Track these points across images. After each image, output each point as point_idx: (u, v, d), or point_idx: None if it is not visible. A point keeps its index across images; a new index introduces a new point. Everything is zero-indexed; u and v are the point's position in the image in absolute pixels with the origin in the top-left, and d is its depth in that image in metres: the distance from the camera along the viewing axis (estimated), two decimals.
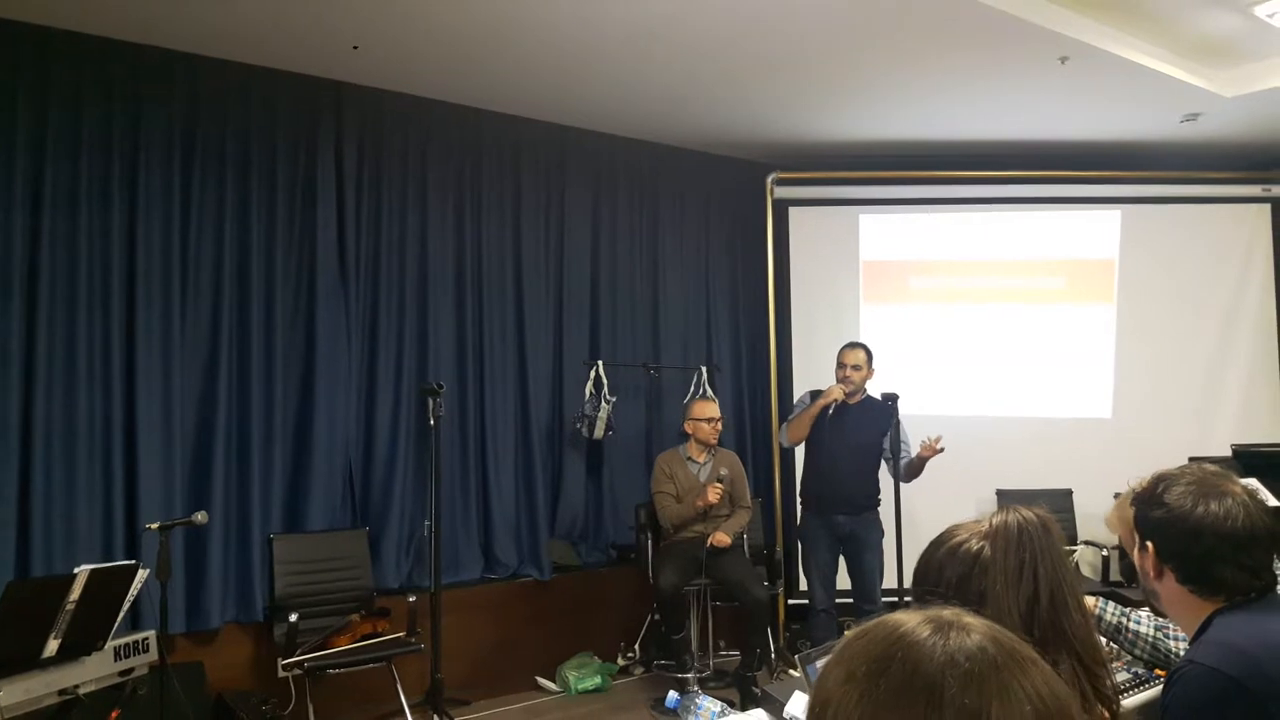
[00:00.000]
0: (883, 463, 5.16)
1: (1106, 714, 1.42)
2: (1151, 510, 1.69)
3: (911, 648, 0.80)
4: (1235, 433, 5.78)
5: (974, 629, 0.82)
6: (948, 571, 1.44)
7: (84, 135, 4.46)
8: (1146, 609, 2.25)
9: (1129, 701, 2.21)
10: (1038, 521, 1.45)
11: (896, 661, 0.79)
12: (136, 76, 4.61)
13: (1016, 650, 0.81)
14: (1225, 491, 1.64)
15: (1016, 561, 1.40)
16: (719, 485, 5.22)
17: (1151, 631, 2.20)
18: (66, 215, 4.40)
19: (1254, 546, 1.61)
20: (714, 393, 6.27)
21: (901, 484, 5.02)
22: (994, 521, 1.46)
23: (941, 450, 4.90)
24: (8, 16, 4.25)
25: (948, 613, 0.84)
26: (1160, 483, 1.70)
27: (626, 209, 6.35)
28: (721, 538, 5.19)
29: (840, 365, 5.19)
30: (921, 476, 5.18)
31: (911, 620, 0.83)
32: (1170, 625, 2.18)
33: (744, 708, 4.90)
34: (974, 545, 1.45)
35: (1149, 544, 1.70)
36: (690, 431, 5.49)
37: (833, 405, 5.10)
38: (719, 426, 5.53)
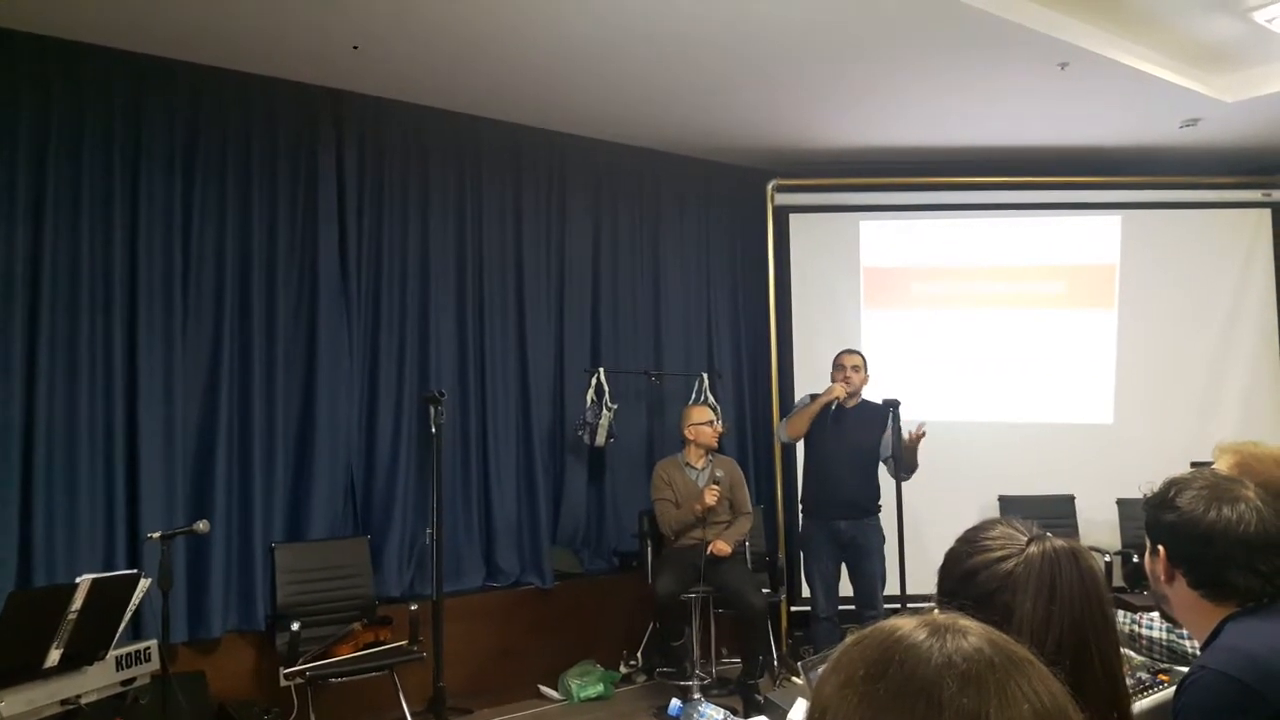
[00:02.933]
0: (882, 466, 5.17)
1: None
2: (1163, 514, 1.68)
3: (909, 650, 0.80)
4: (1236, 437, 5.75)
5: (970, 632, 0.82)
6: (978, 581, 1.37)
7: (85, 144, 4.46)
8: (1155, 613, 2.24)
9: (1133, 707, 2.20)
10: (1069, 551, 1.32)
11: (894, 664, 0.79)
12: (137, 85, 4.61)
13: (1013, 652, 0.81)
14: (1238, 496, 1.63)
15: (1044, 613, 1.32)
16: (715, 487, 5.21)
17: (1165, 635, 2.20)
18: (68, 224, 4.40)
19: (1267, 551, 1.60)
20: (715, 399, 6.27)
21: (903, 485, 5.03)
22: (1030, 552, 1.33)
23: (923, 435, 4.95)
24: (8, 26, 4.25)
25: (943, 617, 0.85)
26: (1172, 487, 1.69)
27: (627, 216, 6.35)
28: (721, 546, 5.18)
29: (839, 367, 5.24)
30: (924, 482, 5.20)
31: (907, 625, 0.84)
32: (1179, 626, 2.18)
33: (747, 715, 4.89)
34: (1009, 565, 1.37)
35: (1160, 548, 1.69)
36: (691, 437, 5.48)
37: (834, 404, 5.14)
38: (719, 428, 5.54)
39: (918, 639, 0.81)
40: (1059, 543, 1.34)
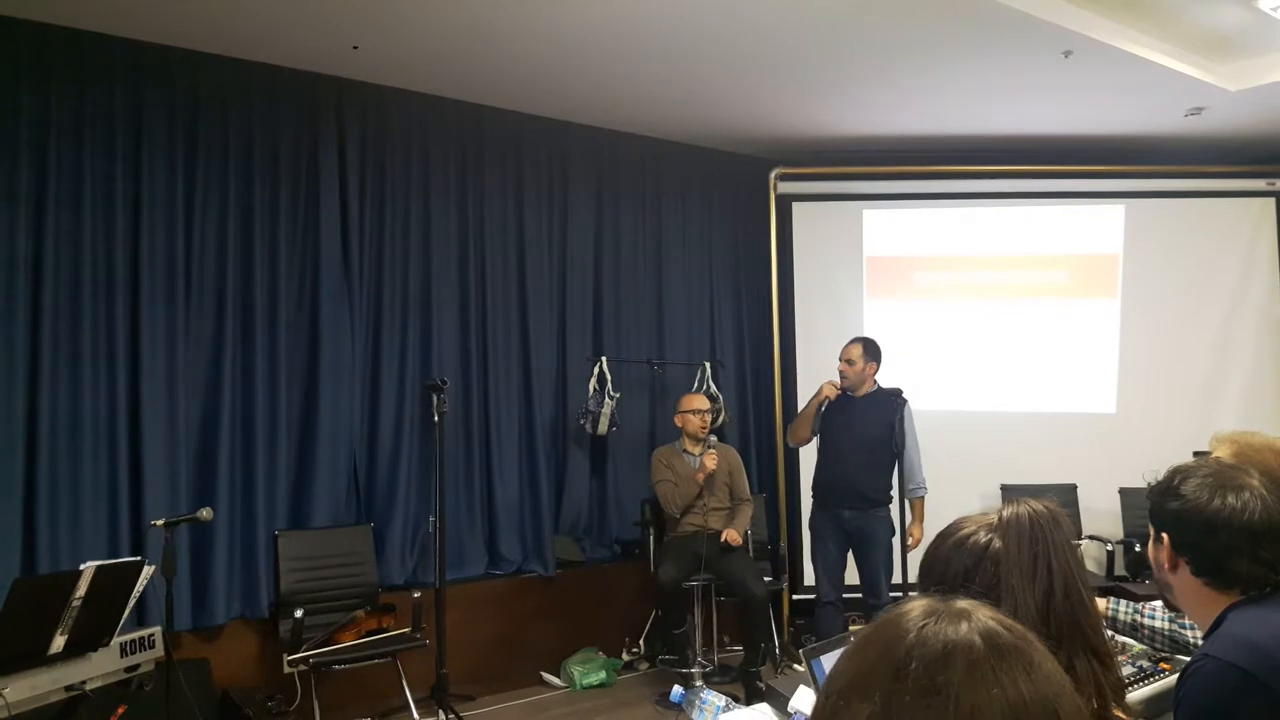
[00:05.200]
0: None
1: (1119, 710, 1.40)
2: (1167, 502, 1.68)
3: (893, 630, 0.83)
4: (1239, 427, 5.72)
5: (971, 620, 0.83)
6: (954, 564, 1.41)
7: (86, 132, 4.45)
8: (1157, 603, 2.25)
9: (1134, 695, 2.21)
10: (1048, 514, 1.41)
11: (876, 640, 0.84)
12: (138, 74, 4.60)
13: (1004, 642, 0.82)
14: (1243, 485, 1.63)
15: (1030, 555, 1.36)
16: (713, 452, 5.26)
17: (1167, 625, 2.21)
18: (70, 213, 4.40)
19: (1271, 539, 1.60)
20: (717, 388, 6.27)
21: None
22: (1004, 514, 1.41)
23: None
24: (9, 14, 4.24)
25: (963, 603, 0.86)
26: (1177, 475, 1.69)
27: (629, 205, 6.34)
28: (733, 535, 5.21)
29: (839, 360, 5.22)
30: (926, 472, 5.22)
31: (918, 605, 0.86)
32: (1182, 615, 2.18)
33: (749, 703, 4.91)
34: (982, 538, 1.41)
35: (1164, 535, 1.69)
36: (679, 424, 5.53)
37: (825, 402, 5.14)
38: (707, 420, 5.53)
39: (908, 619, 0.84)
40: (1033, 503, 1.41)
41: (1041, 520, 1.40)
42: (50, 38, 4.37)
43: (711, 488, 5.32)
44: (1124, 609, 2.25)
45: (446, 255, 5.55)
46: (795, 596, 6.20)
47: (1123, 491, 5.96)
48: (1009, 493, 5.97)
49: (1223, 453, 2.08)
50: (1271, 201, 6.54)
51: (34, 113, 4.33)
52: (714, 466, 5.24)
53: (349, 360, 5.18)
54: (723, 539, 5.20)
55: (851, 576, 5.23)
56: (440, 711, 4.60)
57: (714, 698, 2.39)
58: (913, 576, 4.88)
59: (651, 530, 5.62)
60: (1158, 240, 6.46)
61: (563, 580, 5.75)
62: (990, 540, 1.40)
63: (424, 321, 5.47)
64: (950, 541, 1.42)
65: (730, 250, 6.79)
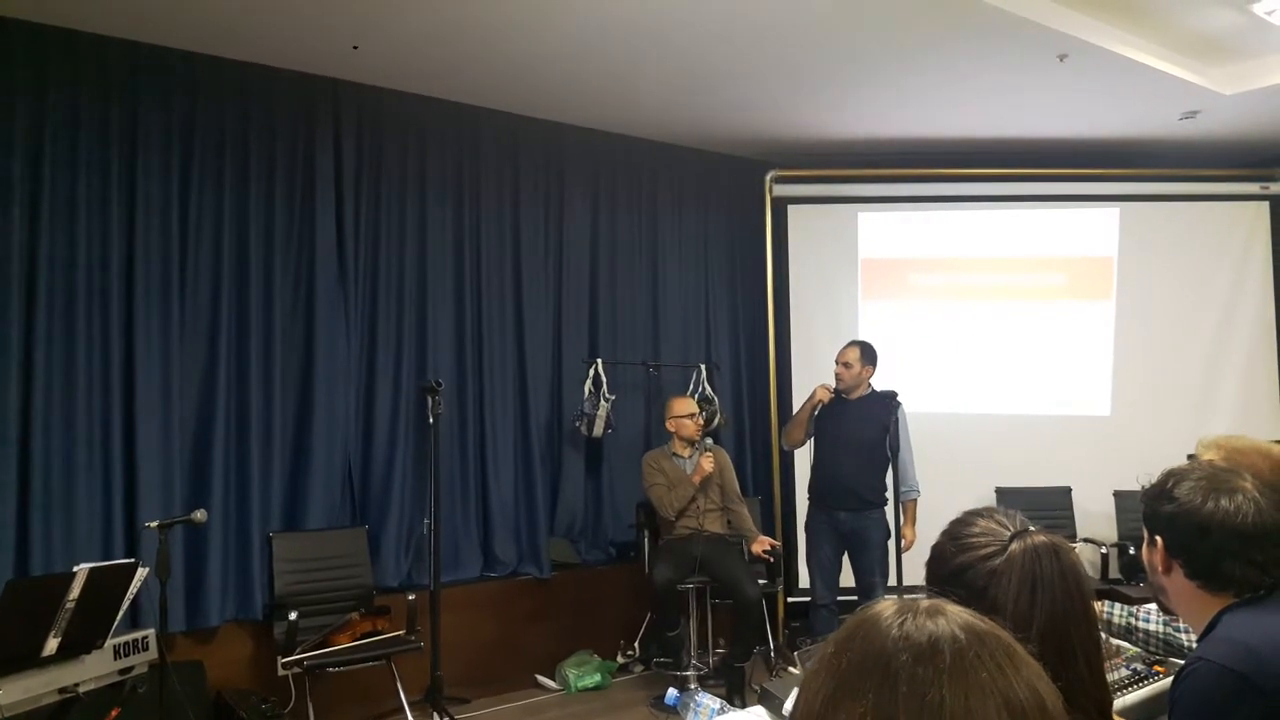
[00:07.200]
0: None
1: None
2: (1161, 505, 1.69)
3: (872, 627, 0.84)
4: (1233, 430, 5.72)
5: (945, 615, 0.84)
6: (960, 579, 1.37)
7: (81, 133, 4.44)
8: (1151, 606, 2.25)
9: (1129, 698, 2.22)
10: (1059, 571, 1.32)
11: (857, 640, 0.83)
12: (134, 74, 4.59)
13: (984, 632, 0.82)
14: (1236, 488, 1.63)
15: (1026, 608, 1.29)
16: (710, 455, 5.25)
17: (1161, 628, 2.21)
18: (65, 213, 4.39)
19: (1264, 542, 1.60)
20: (713, 391, 6.28)
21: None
22: (1011, 549, 1.34)
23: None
24: (4, 14, 4.24)
25: (926, 602, 0.86)
26: (1170, 478, 1.70)
27: (625, 207, 6.34)
28: (766, 540, 5.26)
29: (835, 363, 5.23)
30: (920, 474, 5.22)
31: (885, 606, 0.86)
32: (1176, 619, 2.19)
33: (730, 696, 4.93)
34: (993, 564, 1.38)
35: (1158, 539, 1.70)
36: (673, 429, 5.47)
37: (819, 406, 5.15)
38: (701, 422, 5.52)
39: (885, 617, 0.84)
40: (1040, 538, 1.35)
41: (1043, 554, 1.32)
42: (46, 38, 4.36)
43: (706, 489, 5.32)
44: (1118, 612, 2.25)
45: (442, 257, 5.55)
46: (790, 599, 6.20)
47: (1117, 494, 5.96)
48: (1004, 495, 5.98)
49: (1209, 458, 2.08)
50: (1265, 205, 6.56)
51: (29, 113, 4.32)
52: (711, 469, 5.23)
53: (344, 362, 5.17)
54: (759, 552, 5.23)
55: (846, 579, 5.23)
56: (435, 714, 4.60)
57: (709, 700, 2.39)
58: (907, 578, 4.93)
59: (646, 532, 5.61)
60: (1152, 243, 6.48)
61: (558, 583, 5.74)
62: (998, 566, 1.35)
63: (419, 323, 5.46)
64: (964, 557, 1.37)
65: (726, 253, 6.79)
